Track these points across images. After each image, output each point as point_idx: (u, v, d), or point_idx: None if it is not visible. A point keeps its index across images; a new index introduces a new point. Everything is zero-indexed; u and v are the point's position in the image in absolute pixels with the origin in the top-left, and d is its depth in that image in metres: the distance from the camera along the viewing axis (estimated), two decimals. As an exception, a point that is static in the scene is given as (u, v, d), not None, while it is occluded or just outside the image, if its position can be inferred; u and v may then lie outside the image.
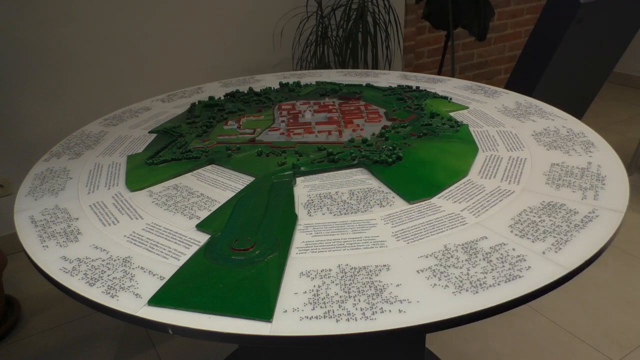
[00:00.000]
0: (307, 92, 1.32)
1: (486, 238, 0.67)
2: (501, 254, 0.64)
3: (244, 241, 0.68)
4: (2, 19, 1.70)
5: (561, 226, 0.69)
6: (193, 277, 0.62)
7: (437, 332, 1.46)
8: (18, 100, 1.82)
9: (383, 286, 0.59)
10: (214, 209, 0.78)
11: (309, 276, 0.62)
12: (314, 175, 0.88)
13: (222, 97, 1.31)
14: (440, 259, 0.64)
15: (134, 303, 0.59)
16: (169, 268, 0.65)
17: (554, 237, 0.67)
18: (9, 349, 1.52)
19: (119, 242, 0.72)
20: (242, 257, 0.65)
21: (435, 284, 0.59)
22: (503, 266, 0.62)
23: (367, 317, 0.55)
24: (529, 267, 0.61)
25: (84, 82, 1.93)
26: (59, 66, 1.86)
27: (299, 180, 0.86)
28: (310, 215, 0.75)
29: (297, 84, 1.38)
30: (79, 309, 1.68)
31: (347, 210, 0.76)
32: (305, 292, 0.59)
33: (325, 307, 0.57)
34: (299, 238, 0.70)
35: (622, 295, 1.61)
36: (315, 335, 0.53)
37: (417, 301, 0.57)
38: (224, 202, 0.80)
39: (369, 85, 1.34)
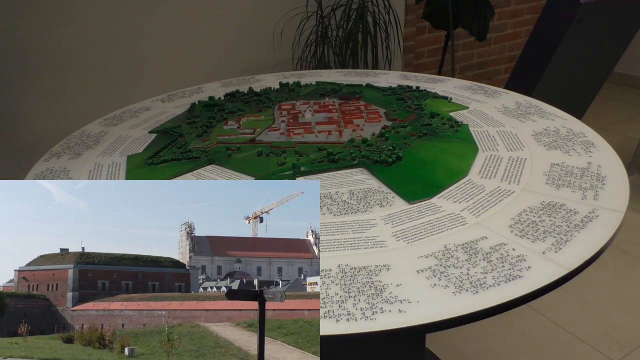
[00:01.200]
0: (307, 92, 1.32)
1: (486, 238, 0.67)
2: (501, 254, 0.64)
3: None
4: (2, 19, 1.70)
5: (561, 226, 0.69)
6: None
7: (437, 332, 1.46)
8: (18, 100, 1.82)
9: (383, 286, 0.59)
10: (214, 209, 0.78)
11: (309, 276, 0.62)
12: (314, 175, 0.88)
13: (222, 97, 1.31)
14: (440, 259, 0.64)
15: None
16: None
17: (554, 237, 0.67)
18: (9, 349, 1.52)
19: (119, 242, 0.72)
20: (242, 257, 0.65)
21: (435, 284, 0.59)
22: (503, 266, 0.62)
23: (367, 317, 0.55)
24: (529, 267, 0.61)
25: (84, 82, 1.93)
26: (59, 66, 1.86)
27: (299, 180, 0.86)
28: (310, 215, 0.75)
29: (297, 84, 1.38)
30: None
31: (347, 210, 0.76)
32: (305, 292, 0.59)
33: (325, 307, 0.57)
34: (299, 238, 0.70)
35: (622, 295, 1.60)
36: (315, 335, 0.53)
37: (417, 301, 0.57)
38: (224, 202, 0.80)
39: (369, 85, 1.33)
